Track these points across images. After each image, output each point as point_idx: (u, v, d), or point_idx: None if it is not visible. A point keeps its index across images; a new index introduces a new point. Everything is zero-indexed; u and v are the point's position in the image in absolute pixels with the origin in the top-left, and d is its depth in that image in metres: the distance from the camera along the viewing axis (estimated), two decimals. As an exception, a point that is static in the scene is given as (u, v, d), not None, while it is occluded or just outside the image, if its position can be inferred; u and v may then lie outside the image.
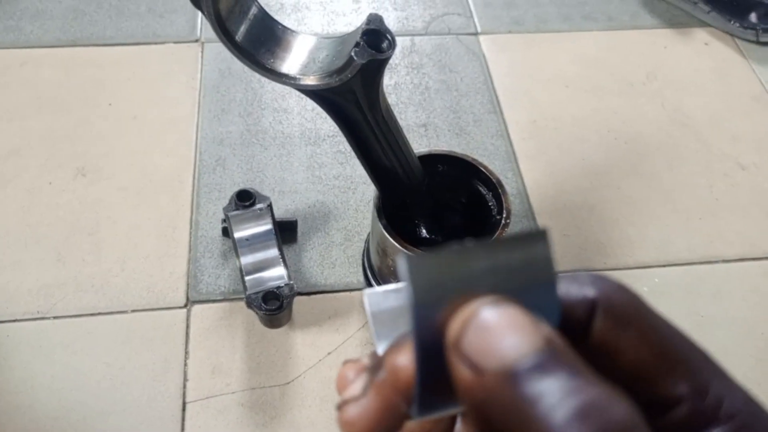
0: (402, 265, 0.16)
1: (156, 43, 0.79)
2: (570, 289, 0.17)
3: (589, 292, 0.17)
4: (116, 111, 0.73)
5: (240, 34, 0.37)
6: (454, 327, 0.15)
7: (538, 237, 0.16)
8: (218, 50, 0.78)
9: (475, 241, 0.16)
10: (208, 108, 0.73)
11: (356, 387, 0.18)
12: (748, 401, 0.16)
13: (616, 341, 0.16)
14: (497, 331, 0.15)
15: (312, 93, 0.40)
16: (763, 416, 0.16)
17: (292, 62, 0.39)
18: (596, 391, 0.13)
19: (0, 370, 0.55)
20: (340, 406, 0.18)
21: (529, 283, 0.16)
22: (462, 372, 0.15)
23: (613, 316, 0.17)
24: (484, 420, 0.14)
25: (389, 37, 0.37)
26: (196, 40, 0.80)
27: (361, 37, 0.36)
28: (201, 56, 0.78)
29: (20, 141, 0.69)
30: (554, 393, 0.13)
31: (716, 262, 0.66)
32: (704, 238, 0.68)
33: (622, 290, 0.17)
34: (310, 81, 0.38)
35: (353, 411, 0.17)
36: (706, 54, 0.84)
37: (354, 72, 0.36)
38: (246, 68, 0.40)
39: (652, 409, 0.16)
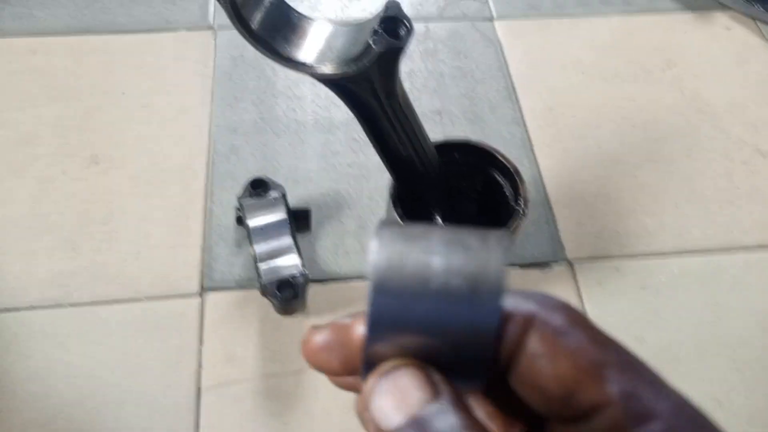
0: (375, 237, 0.18)
1: (168, 30, 0.78)
2: (510, 303, 0.18)
3: (528, 306, 0.18)
4: (128, 99, 0.72)
5: (256, 22, 0.37)
6: (365, 390, 0.19)
7: (499, 235, 0.18)
8: (231, 37, 0.78)
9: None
10: (221, 96, 0.73)
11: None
12: (681, 404, 0.17)
13: (547, 353, 0.18)
14: (383, 396, 0.18)
15: (328, 81, 0.39)
16: (695, 417, 0.17)
17: (308, 50, 0.38)
18: None
19: (15, 358, 0.55)
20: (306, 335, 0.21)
21: (479, 265, 0.17)
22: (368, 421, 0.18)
23: (550, 329, 0.18)
24: None
25: (407, 24, 0.36)
26: (209, 27, 0.79)
27: (379, 25, 0.36)
28: (214, 43, 0.77)
29: (31, 129, 0.69)
30: None
31: (735, 250, 0.65)
32: (723, 226, 0.67)
33: (561, 306, 0.18)
34: (327, 69, 0.37)
35: (314, 336, 0.21)
36: (727, 39, 0.83)
37: (372, 60, 0.36)
38: (259, 55, 0.39)
39: (581, 413, 0.17)
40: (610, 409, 0.17)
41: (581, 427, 0.18)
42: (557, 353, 0.18)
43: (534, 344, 0.18)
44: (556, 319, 0.18)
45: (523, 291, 0.19)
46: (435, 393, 0.17)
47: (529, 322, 0.18)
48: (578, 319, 0.18)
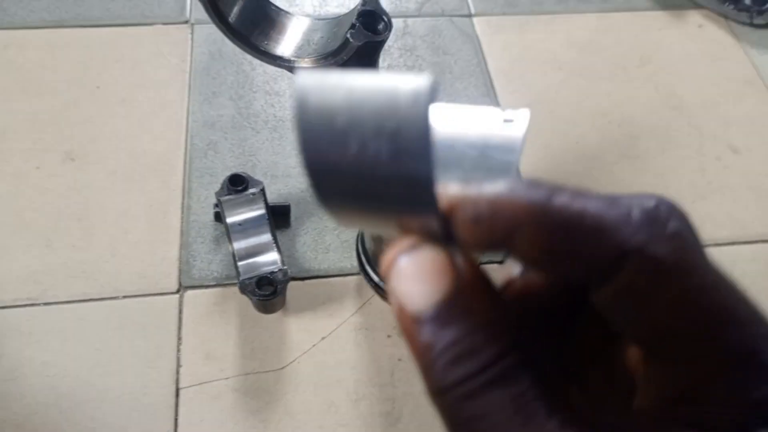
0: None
1: (144, 24, 0.78)
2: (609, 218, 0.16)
3: (629, 233, 0.16)
4: (104, 94, 0.71)
5: (233, 16, 0.37)
6: (383, 267, 0.18)
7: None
8: (209, 32, 0.77)
9: None
10: (199, 91, 0.72)
11: None
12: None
13: (646, 294, 0.16)
14: (408, 279, 0.17)
15: (306, 76, 0.39)
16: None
17: (286, 44, 0.38)
18: (475, 341, 0.15)
19: (-10, 357, 0.54)
20: None
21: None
22: (393, 303, 0.17)
23: (652, 268, 0.16)
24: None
25: (385, 19, 0.36)
26: (186, 21, 0.78)
27: (357, 19, 0.36)
28: (191, 38, 0.77)
29: (5, 125, 0.68)
30: (442, 343, 0.15)
31: (707, 245, 0.66)
32: (695, 221, 0.68)
33: (671, 238, 0.16)
34: (305, 64, 0.37)
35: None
36: (700, 37, 0.84)
37: (350, 54, 0.36)
38: (237, 50, 0.39)
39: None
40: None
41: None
42: (651, 304, 0.16)
43: (621, 284, 0.17)
44: (659, 259, 0.16)
45: (620, 198, 0.17)
46: (456, 275, 0.16)
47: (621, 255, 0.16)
48: (685, 258, 0.16)
